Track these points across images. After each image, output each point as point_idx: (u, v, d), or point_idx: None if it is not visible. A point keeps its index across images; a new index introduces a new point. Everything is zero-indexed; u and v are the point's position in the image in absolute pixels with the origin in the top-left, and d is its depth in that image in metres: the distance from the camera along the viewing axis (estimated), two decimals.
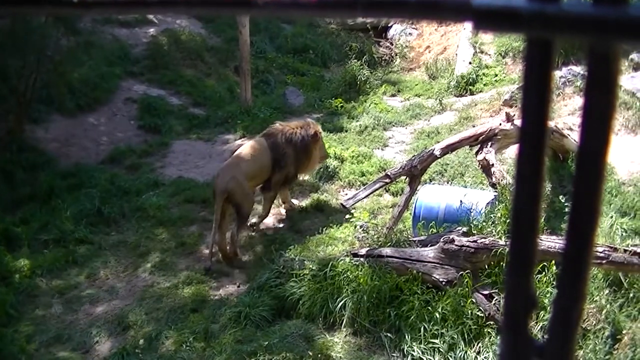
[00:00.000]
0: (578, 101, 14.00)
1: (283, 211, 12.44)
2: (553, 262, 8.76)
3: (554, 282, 8.58)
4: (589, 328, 8.41)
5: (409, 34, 21.28)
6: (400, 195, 11.52)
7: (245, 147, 11.86)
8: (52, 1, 0.75)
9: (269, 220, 12.20)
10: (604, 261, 8.44)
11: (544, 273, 8.75)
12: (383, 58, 20.81)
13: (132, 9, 0.76)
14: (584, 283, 0.62)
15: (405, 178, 11.17)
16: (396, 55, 20.78)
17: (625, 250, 8.39)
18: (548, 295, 8.61)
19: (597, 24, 0.54)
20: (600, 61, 0.57)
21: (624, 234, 9.98)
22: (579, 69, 14.96)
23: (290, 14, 0.65)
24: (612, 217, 10.38)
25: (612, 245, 8.65)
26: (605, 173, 0.57)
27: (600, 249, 8.49)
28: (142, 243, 11.73)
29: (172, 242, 11.67)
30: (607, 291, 8.66)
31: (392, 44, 21.23)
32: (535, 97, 0.64)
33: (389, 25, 21.86)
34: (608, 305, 8.45)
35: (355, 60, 19.03)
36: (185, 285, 10.46)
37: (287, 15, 0.65)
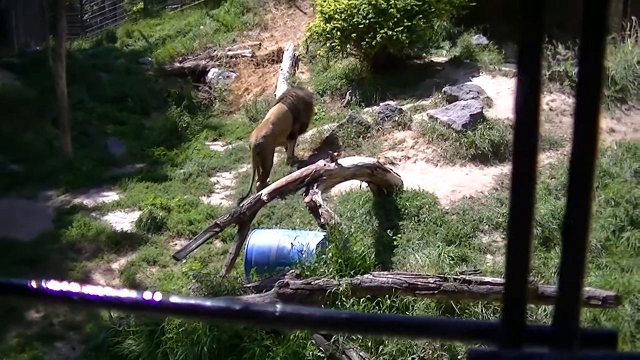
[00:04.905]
0: (397, 135, 14.58)
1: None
2: (387, 296, 9.12)
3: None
4: (426, 358, 8.81)
5: (227, 77, 21.39)
6: (231, 241, 11.63)
7: (272, 113, 15.12)
8: None
9: (100, 276, 12.01)
10: (435, 291, 8.90)
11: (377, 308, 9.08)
12: (202, 102, 20.73)
13: None
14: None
15: (235, 225, 11.29)
16: (215, 99, 20.78)
17: (455, 279, 8.87)
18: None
19: None
20: None
21: (451, 262, 10.46)
22: (395, 104, 15.60)
23: None
24: (439, 246, 10.90)
25: (442, 275, 9.12)
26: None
27: (431, 280, 8.94)
28: None
29: (0, 309, 11.25)
30: None
31: (210, 87, 21.21)
32: None
33: (207, 69, 21.93)
34: None
35: (175, 107, 19.04)
36: (17, 353, 10.11)
37: None
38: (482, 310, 9.31)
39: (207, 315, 0.67)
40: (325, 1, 17.56)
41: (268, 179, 14.07)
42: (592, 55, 0.64)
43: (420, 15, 16.33)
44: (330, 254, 9.70)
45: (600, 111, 0.64)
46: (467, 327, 0.69)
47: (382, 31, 16.07)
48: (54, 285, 0.70)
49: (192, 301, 0.67)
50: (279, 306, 0.65)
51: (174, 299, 0.66)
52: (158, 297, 0.66)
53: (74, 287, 0.70)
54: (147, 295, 0.68)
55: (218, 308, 0.66)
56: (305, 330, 8.14)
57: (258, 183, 14.07)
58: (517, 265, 0.64)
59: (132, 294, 0.69)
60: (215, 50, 22.59)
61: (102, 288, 0.70)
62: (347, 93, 17.59)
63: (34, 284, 0.71)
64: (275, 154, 15.00)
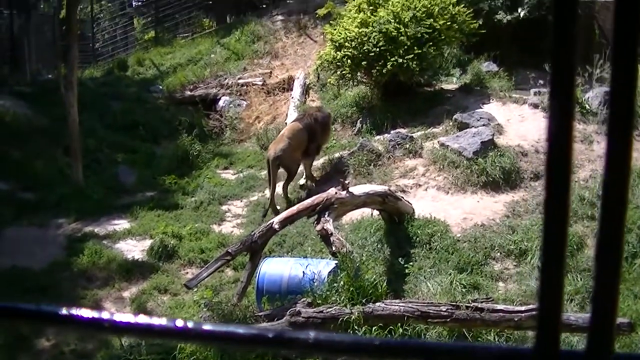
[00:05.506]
0: (408, 163, 14.57)
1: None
2: (399, 325, 9.08)
3: None
4: None
5: (238, 105, 21.46)
6: (242, 269, 11.62)
7: (287, 129, 15.80)
8: None
9: (111, 305, 11.99)
10: (448, 319, 8.87)
11: (389, 336, 9.02)
12: (213, 131, 20.82)
13: None
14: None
15: (246, 253, 11.28)
16: (226, 127, 20.86)
17: (467, 307, 8.84)
18: None
19: None
20: None
21: (463, 289, 10.43)
22: (406, 131, 15.60)
23: None
24: (450, 274, 10.87)
25: (454, 303, 9.09)
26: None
27: (443, 308, 8.91)
28: None
29: (10, 337, 11.21)
30: None
31: (221, 116, 21.29)
32: None
33: (218, 97, 22.01)
34: None
35: (186, 135, 19.08)
36: None
37: None
38: (494, 338, 9.26)
39: (240, 343, 0.67)
40: (335, 29, 17.66)
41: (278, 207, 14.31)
42: (624, 73, 0.63)
43: (431, 43, 16.39)
44: (341, 282, 9.68)
45: (633, 133, 0.64)
46: (499, 352, 0.68)
47: (392, 59, 16.11)
48: (85, 312, 0.70)
49: (225, 328, 0.67)
50: (312, 333, 0.65)
51: (207, 326, 0.66)
52: (190, 324, 0.66)
53: (105, 314, 0.70)
54: (179, 323, 0.68)
55: (251, 335, 0.65)
56: (337, 357, 8.07)
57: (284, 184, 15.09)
58: (550, 290, 0.64)
59: (163, 321, 0.69)
60: (226, 79, 22.70)
61: (133, 315, 0.70)
62: (358, 121, 17.61)
63: (64, 311, 0.71)
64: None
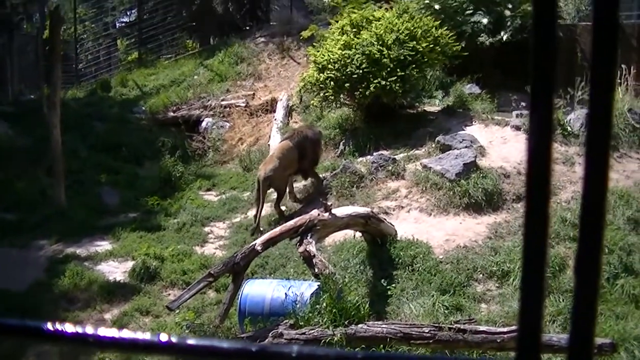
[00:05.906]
0: (391, 185, 14.57)
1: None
2: (382, 346, 9.07)
3: None
4: None
5: (221, 126, 21.45)
6: (225, 291, 11.58)
7: (277, 149, 15.95)
8: None
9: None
10: (430, 341, 8.87)
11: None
12: (196, 152, 20.80)
13: None
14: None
15: (229, 275, 11.24)
16: (209, 148, 20.85)
17: (449, 328, 8.85)
18: None
19: None
20: None
21: (446, 311, 10.44)
22: (388, 153, 15.62)
23: None
24: (433, 295, 10.87)
25: (437, 324, 9.10)
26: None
27: (426, 329, 8.92)
28: None
29: None
30: None
31: (204, 137, 21.27)
32: None
33: (201, 118, 21.99)
34: None
35: (169, 156, 19.06)
36: None
37: None
38: None
39: (224, 357, 0.67)
40: (318, 51, 17.70)
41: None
42: (602, 97, 0.65)
43: (413, 65, 16.44)
44: (324, 304, 9.66)
45: (610, 152, 0.65)
46: None
47: (375, 81, 16.14)
48: (69, 327, 0.70)
49: (209, 342, 0.67)
50: (295, 347, 0.65)
51: (191, 341, 0.67)
52: (175, 338, 0.67)
53: (89, 329, 0.71)
54: (163, 337, 0.68)
55: (235, 349, 0.66)
56: None
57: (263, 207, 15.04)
58: (530, 311, 0.65)
59: (147, 335, 0.70)
60: (209, 100, 22.68)
61: (117, 330, 0.70)
62: (341, 143, 17.62)
63: (49, 326, 0.71)
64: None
